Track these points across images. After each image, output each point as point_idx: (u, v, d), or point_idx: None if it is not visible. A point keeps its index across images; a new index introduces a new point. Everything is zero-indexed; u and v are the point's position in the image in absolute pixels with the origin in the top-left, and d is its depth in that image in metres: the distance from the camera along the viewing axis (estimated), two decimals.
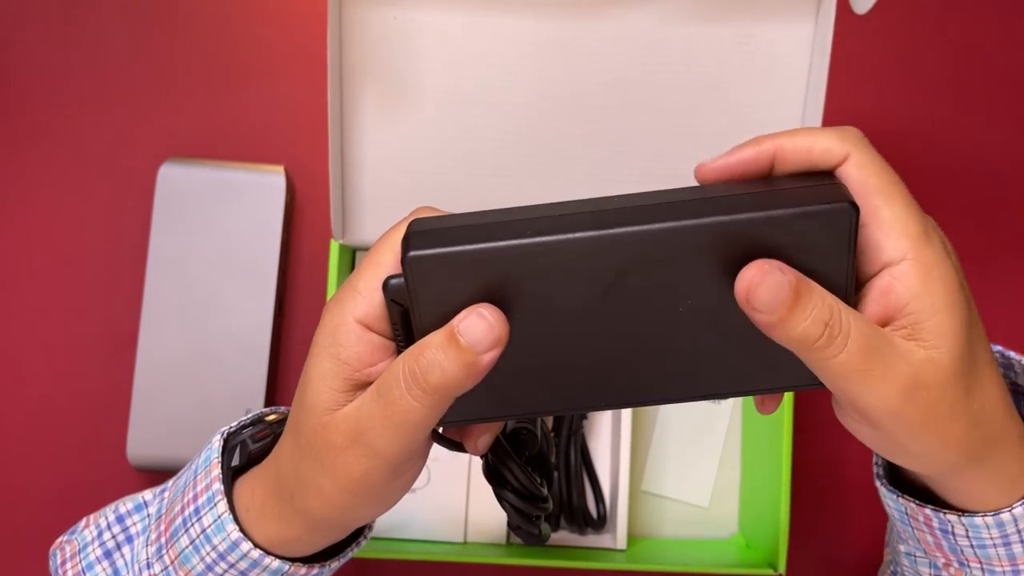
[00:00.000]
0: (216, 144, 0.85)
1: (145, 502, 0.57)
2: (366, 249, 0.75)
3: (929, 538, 0.53)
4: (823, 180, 0.42)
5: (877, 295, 0.43)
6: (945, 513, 0.51)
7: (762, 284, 0.40)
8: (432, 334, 0.43)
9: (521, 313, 0.42)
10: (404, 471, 0.48)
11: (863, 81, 0.86)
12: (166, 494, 0.56)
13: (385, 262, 0.45)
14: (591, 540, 0.78)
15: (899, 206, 0.44)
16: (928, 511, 0.52)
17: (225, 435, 0.54)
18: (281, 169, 0.82)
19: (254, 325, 0.80)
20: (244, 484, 0.52)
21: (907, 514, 0.54)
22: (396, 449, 0.45)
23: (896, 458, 0.48)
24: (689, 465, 0.82)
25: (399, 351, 0.45)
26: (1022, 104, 0.87)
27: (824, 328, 0.41)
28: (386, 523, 0.75)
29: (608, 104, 0.69)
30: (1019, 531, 0.50)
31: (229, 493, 0.51)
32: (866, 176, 0.44)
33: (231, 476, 0.53)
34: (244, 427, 0.55)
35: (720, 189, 0.42)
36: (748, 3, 0.67)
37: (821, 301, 0.41)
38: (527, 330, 0.42)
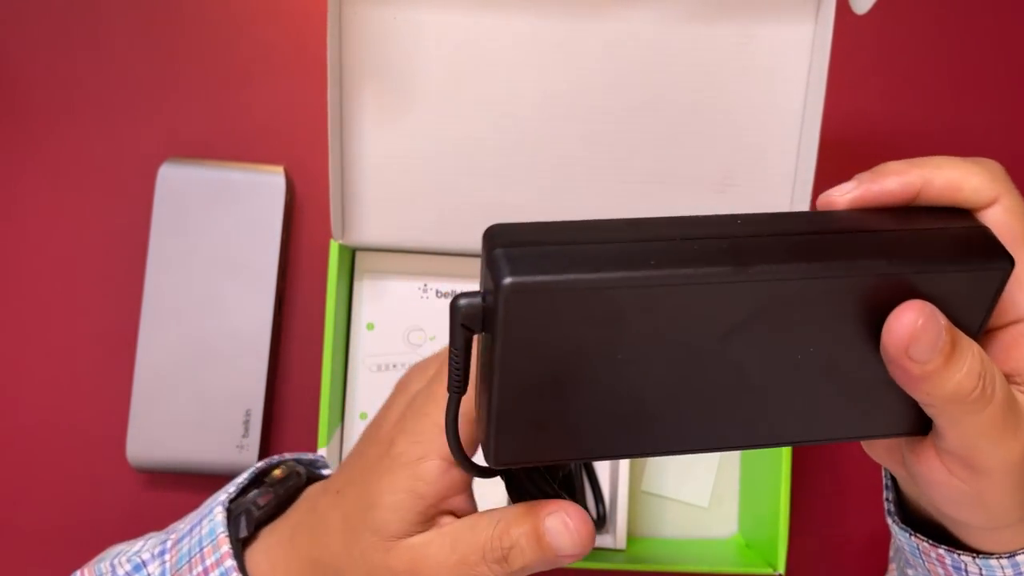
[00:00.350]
0: (216, 144, 0.84)
1: (143, 562, 0.54)
2: (366, 249, 0.75)
3: (940, 570, 0.52)
4: (967, 222, 0.39)
5: (1001, 349, 0.41)
6: (960, 554, 0.50)
7: (924, 330, 0.37)
8: (522, 523, 0.43)
9: (622, 352, 0.36)
10: None
11: (863, 81, 0.86)
12: (167, 558, 0.53)
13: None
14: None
15: None
16: (942, 551, 0.51)
17: (227, 504, 0.52)
18: (281, 169, 0.82)
19: (254, 325, 0.80)
20: (260, 557, 0.51)
21: (919, 549, 0.53)
22: None
23: (968, 512, 0.46)
24: (689, 465, 0.82)
25: (453, 383, 0.40)
26: (1022, 104, 0.87)
27: (979, 381, 0.38)
28: None
29: (608, 104, 0.69)
30: None
31: (243, 569, 0.50)
32: (1014, 223, 0.40)
33: (240, 547, 0.51)
34: (244, 490, 0.54)
35: (859, 221, 0.38)
36: (748, 3, 0.67)
37: (973, 352, 0.38)
38: (625, 369, 0.37)
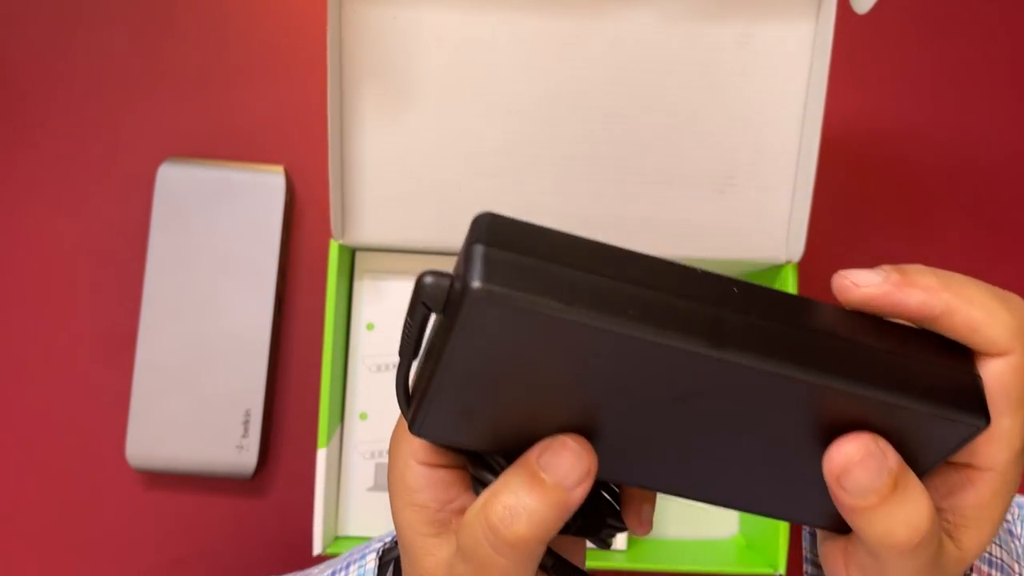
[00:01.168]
0: (215, 144, 0.84)
1: None
2: (366, 249, 0.75)
3: None
4: (961, 365, 0.37)
5: (947, 485, 0.40)
6: None
7: (860, 465, 0.36)
8: (507, 475, 0.38)
9: (569, 380, 0.35)
10: None
11: (864, 81, 0.86)
12: None
13: None
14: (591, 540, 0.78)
15: (1021, 423, 0.38)
16: None
17: (380, 552, 0.50)
18: (280, 169, 0.82)
19: (253, 326, 0.80)
20: None
21: None
22: None
23: None
24: None
25: (404, 349, 0.38)
26: (1022, 104, 0.87)
27: (914, 535, 0.37)
28: (388, 523, 0.75)
29: (608, 104, 0.69)
30: None
31: None
32: (1015, 382, 0.38)
33: None
34: (395, 543, 0.51)
35: (855, 328, 0.37)
36: (748, 3, 0.67)
37: (920, 502, 0.37)
38: (567, 395, 0.36)
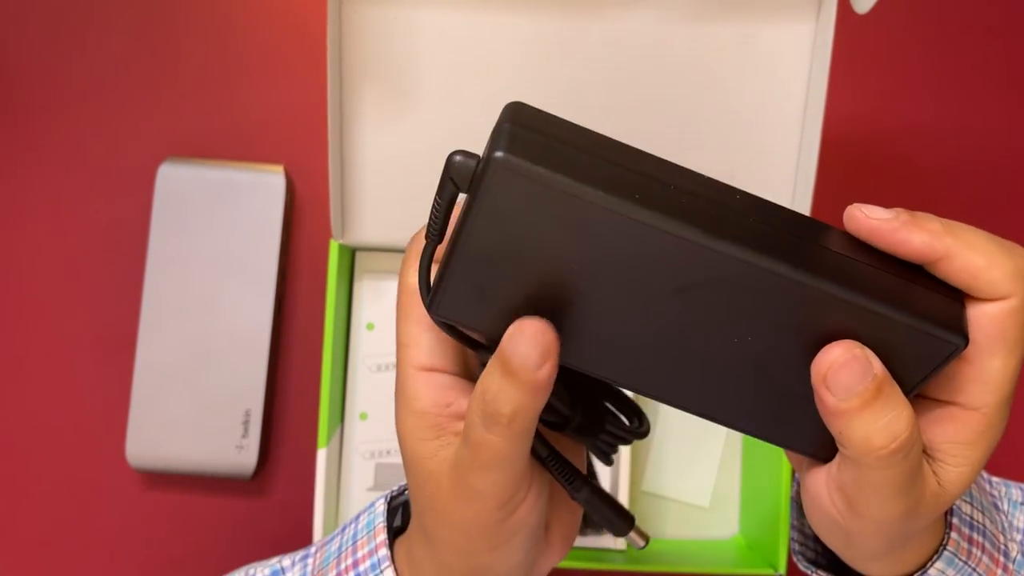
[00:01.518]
0: (215, 144, 0.84)
1: (282, 568, 0.54)
2: (366, 249, 0.75)
3: None
4: (952, 295, 0.39)
5: (929, 420, 0.42)
6: None
7: (846, 367, 0.38)
8: (488, 367, 0.40)
9: (577, 263, 0.37)
10: (514, 508, 0.44)
11: (864, 81, 0.86)
12: (309, 560, 0.53)
13: (415, 312, 0.43)
14: (591, 540, 0.78)
15: (1012, 367, 0.40)
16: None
17: (388, 498, 0.51)
18: (280, 169, 0.81)
19: (253, 325, 0.80)
20: (400, 549, 0.50)
21: None
22: (497, 489, 0.43)
23: (831, 539, 0.47)
24: (690, 465, 0.81)
25: (431, 231, 0.40)
26: (1022, 103, 0.87)
27: (892, 441, 0.39)
28: None
29: (608, 104, 0.69)
30: None
31: (394, 560, 0.49)
32: (1008, 323, 0.39)
33: (393, 538, 0.51)
34: (404, 490, 0.53)
35: (854, 248, 0.39)
36: (749, 3, 0.67)
37: (901, 411, 0.39)
38: (573, 278, 0.38)
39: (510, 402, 0.39)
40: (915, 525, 0.43)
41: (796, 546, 0.56)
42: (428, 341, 0.43)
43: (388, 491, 0.52)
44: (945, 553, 0.48)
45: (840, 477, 0.43)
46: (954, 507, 0.50)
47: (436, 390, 0.44)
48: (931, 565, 0.48)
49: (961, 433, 0.41)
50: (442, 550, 0.46)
